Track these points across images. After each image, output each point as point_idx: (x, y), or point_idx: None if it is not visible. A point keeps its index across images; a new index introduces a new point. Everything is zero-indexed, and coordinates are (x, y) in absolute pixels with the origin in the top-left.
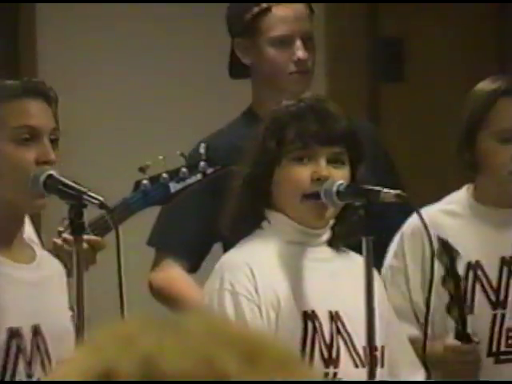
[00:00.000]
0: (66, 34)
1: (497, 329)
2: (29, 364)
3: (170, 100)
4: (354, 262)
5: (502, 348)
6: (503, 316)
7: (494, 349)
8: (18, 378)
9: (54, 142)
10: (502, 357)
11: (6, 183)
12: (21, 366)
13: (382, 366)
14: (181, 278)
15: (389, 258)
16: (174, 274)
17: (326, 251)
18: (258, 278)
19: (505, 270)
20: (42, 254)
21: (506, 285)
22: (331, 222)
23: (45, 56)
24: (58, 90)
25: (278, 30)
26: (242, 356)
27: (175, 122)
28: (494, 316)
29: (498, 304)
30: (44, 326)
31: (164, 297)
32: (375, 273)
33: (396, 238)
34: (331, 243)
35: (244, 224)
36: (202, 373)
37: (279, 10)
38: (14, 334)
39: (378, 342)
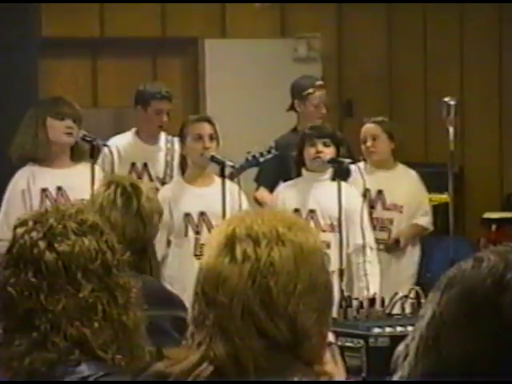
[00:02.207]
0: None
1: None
2: (196, 229)
3: (264, 122)
4: (334, 186)
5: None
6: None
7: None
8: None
9: (212, 140)
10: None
11: (192, 155)
12: (196, 231)
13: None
14: (267, 194)
15: None
16: (264, 193)
17: (327, 183)
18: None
19: (378, 196)
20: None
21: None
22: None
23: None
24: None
25: (315, 100)
26: (286, 226)
27: (262, 132)
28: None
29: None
30: (208, 213)
31: (259, 202)
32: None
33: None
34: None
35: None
36: (270, 233)
37: (317, 92)
38: (187, 215)
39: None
